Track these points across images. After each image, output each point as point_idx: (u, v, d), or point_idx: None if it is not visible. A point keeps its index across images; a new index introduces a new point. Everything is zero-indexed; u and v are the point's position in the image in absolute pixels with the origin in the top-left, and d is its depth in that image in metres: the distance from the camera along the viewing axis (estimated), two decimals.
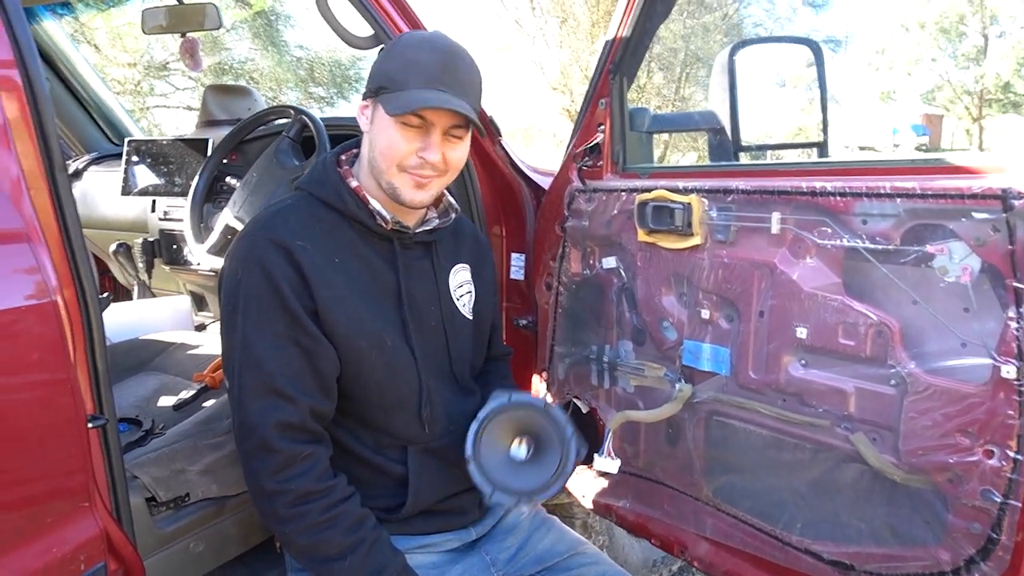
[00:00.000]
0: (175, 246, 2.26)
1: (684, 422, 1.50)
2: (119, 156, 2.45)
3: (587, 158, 1.64)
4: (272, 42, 9.60)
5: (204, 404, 1.70)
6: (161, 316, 2.35)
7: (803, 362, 1.29)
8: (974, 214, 1.07)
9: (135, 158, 2.36)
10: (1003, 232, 1.04)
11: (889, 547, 1.23)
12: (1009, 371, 1.05)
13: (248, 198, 1.85)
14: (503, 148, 1.83)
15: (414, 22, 1.63)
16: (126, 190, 2.35)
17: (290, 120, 1.93)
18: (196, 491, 1.44)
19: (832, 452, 1.28)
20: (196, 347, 2.05)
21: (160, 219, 2.31)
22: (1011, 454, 1.06)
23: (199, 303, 2.51)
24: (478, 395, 1.37)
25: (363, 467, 1.24)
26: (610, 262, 1.61)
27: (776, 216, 1.29)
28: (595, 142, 1.62)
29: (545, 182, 1.84)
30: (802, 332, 1.27)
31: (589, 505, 1.77)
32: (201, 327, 2.40)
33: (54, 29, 2.73)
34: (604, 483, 1.72)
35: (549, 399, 1.22)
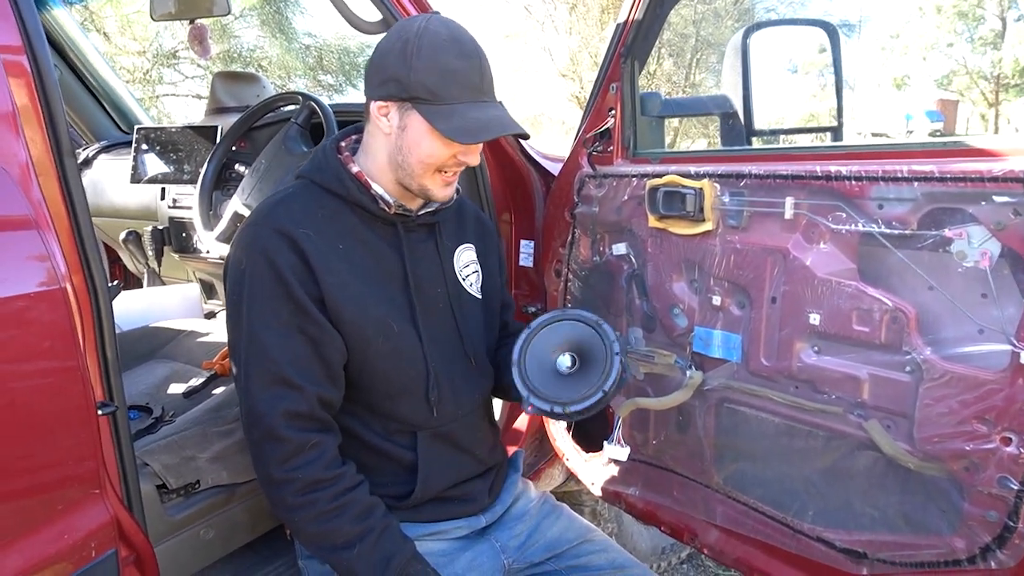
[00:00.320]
0: (184, 234, 2.26)
1: (694, 409, 1.49)
2: (128, 144, 2.45)
3: (597, 143, 1.62)
4: (281, 29, 9.57)
5: (214, 392, 1.71)
6: (171, 304, 2.36)
7: (816, 349, 1.28)
8: (994, 197, 1.05)
9: (144, 146, 2.36)
10: None
11: (902, 535, 1.22)
12: None
13: (257, 185, 1.85)
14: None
15: (422, 6, 1.62)
16: (136, 178, 2.36)
17: (299, 107, 1.92)
18: (206, 478, 1.44)
19: (845, 439, 1.26)
20: (206, 335, 2.05)
21: (169, 207, 2.31)
22: None
23: (208, 291, 2.52)
24: (492, 377, 1.37)
25: (372, 454, 1.24)
26: (620, 248, 1.59)
27: (790, 201, 1.27)
28: (606, 127, 1.60)
29: (554, 168, 1.82)
30: (815, 318, 1.25)
31: (598, 493, 1.76)
32: (211, 315, 2.41)
33: (64, 17, 2.72)
34: (614, 470, 1.71)
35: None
